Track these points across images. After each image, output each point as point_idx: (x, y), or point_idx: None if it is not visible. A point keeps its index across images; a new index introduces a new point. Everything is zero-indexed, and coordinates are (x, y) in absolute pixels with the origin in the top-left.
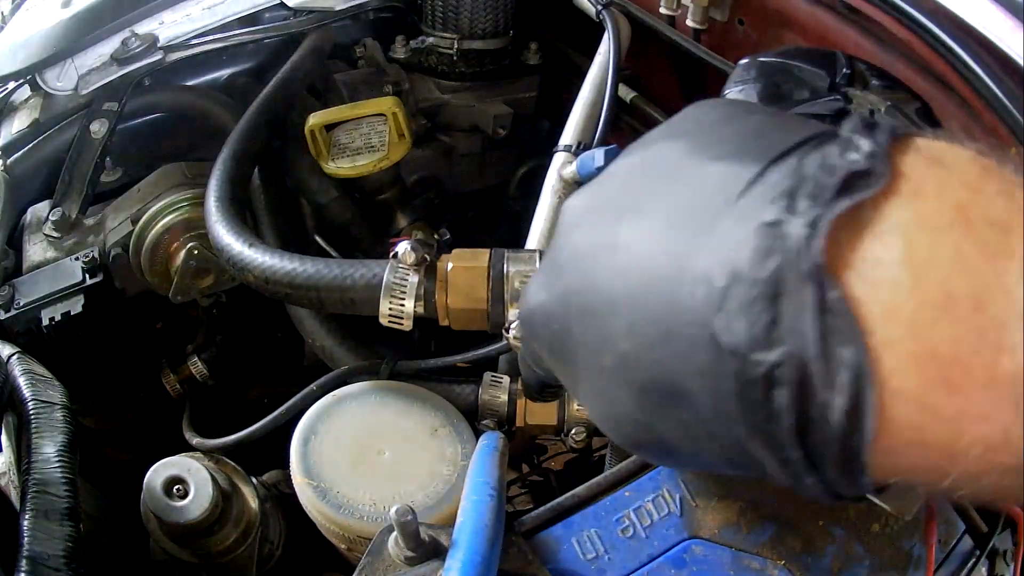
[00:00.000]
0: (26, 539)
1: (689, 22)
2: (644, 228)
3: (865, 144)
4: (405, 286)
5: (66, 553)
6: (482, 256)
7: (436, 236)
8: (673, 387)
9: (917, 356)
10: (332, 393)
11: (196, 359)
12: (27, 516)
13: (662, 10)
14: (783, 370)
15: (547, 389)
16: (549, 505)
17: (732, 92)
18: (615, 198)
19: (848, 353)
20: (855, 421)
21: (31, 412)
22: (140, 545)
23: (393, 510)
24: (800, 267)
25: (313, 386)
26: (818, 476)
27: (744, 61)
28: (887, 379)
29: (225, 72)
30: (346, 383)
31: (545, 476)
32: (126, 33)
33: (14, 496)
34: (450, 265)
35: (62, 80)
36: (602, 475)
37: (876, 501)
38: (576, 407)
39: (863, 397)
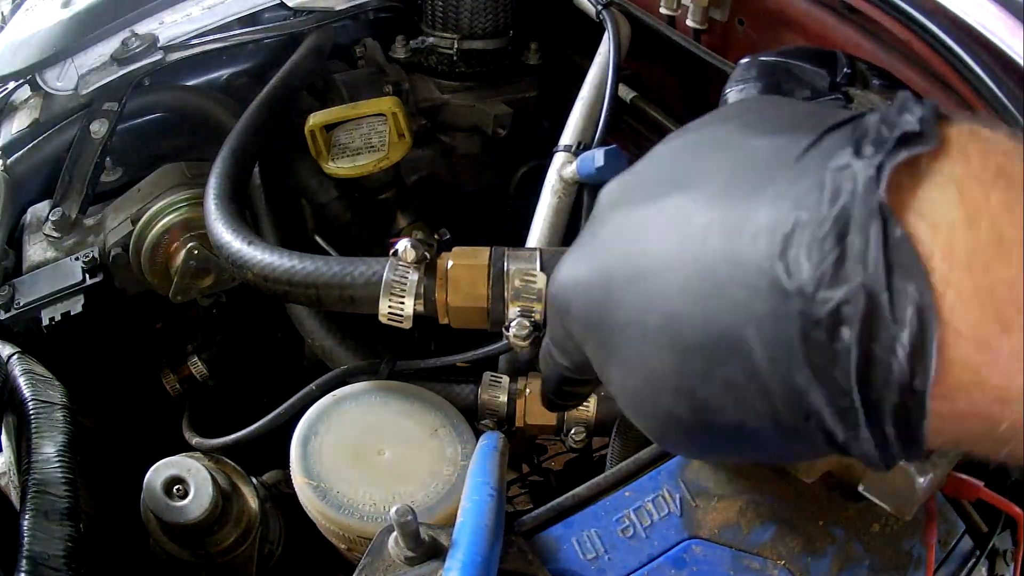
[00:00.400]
0: (26, 539)
1: (689, 22)
2: (698, 194)
3: (916, 110)
4: (405, 284)
5: (66, 553)
6: (482, 254)
7: (436, 236)
8: (726, 341)
9: (975, 294)
10: (332, 393)
11: (196, 359)
12: (27, 516)
13: (662, 10)
14: (850, 307)
15: (567, 386)
16: (549, 505)
17: (733, 92)
18: (661, 175)
19: (912, 289)
20: (919, 359)
21: (31, 412)
22: (140, 545)
23: (393, 510)
24: (867, 205)
25: (312, 386)
26: (876, 429)
27: (744, 61)
28: (948, 316)
29: (225, 72)
30: (346, 383)
31: (545, 476)
32: (126, 33)
33: (14, 496)
34: (450, 263)
35: (62, 80)
36: (602, 475)
37: (876, 501)
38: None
39: (927, 333)
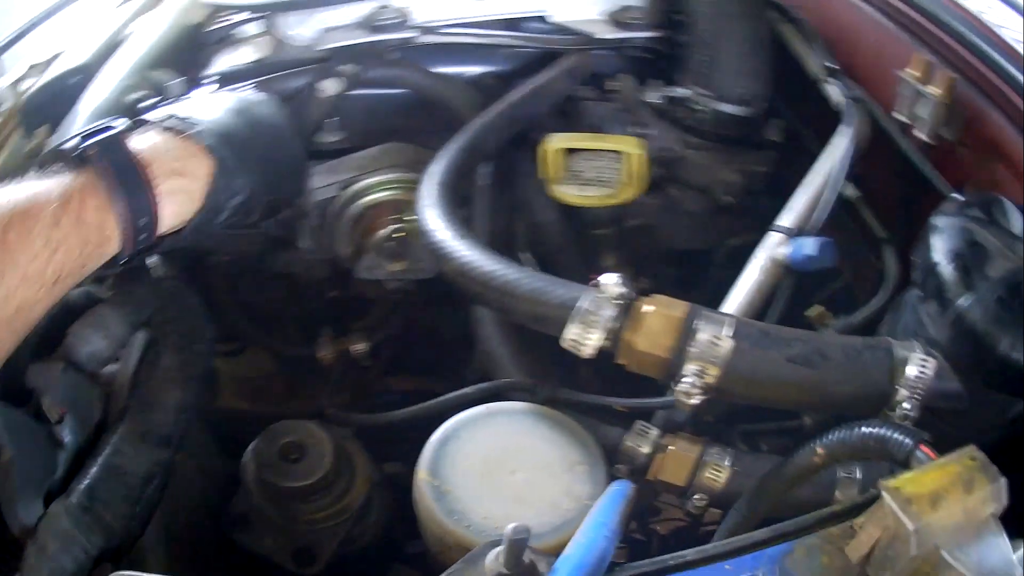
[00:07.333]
0: (109, 450)
1: (917, 133)
2: None
3: None
4: (598, 316)
5: (147, 475)
6: (680, 307)
7: (636, 284)
8: None
9: None
10: (487, 404)
11: (361, 338)
12: (119, 431)
13: (895, 114)
14: None
15: None
16: (653, 560)
17: (940, 218)
18: None
19: None
20: None
21: (170, 337)
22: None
23: (511, 526)
24: None
25: (469, 389)
26: None
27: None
28: None
29: (474, 69)
30: (504, 397)
31: (648, 537)
32: (381, 1)
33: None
34: (649, 308)
35: (300, 29)
36: (712, 544)
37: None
38: (708, 474)
39: None
